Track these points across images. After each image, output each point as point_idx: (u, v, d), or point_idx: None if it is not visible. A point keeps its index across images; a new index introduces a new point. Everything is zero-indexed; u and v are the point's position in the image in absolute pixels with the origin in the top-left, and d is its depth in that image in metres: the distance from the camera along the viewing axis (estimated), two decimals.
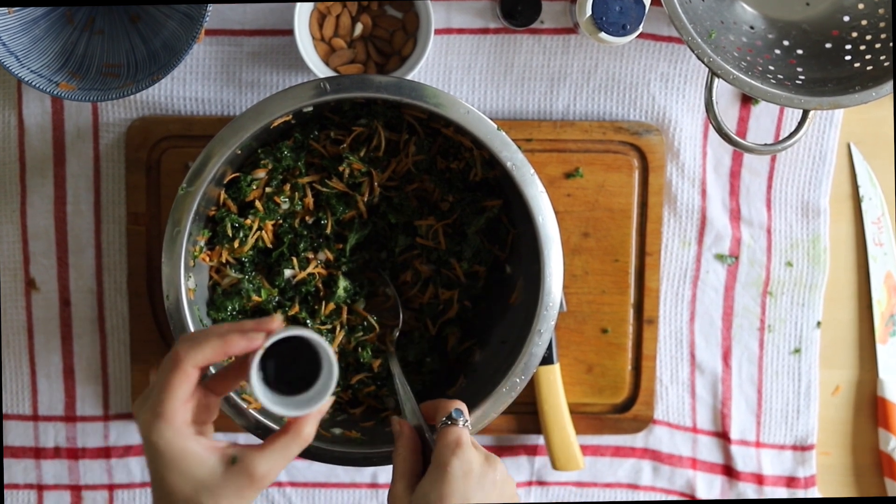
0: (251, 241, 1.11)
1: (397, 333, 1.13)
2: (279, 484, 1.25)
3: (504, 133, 1.04)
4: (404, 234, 1.14)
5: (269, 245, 1.13)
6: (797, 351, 1.24)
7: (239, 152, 1.05)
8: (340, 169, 1.11)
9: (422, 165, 1.13)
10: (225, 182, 1.10)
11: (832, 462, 1.26)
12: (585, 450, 1.24)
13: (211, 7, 1.09)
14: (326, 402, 0.87)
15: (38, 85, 1.11)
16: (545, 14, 1.19)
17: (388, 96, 1.04)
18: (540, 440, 1.25)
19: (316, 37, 1.17)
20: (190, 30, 1.11)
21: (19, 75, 1.10)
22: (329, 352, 0.86)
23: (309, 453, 1.06)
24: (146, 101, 1.20)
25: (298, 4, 1.14)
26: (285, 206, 1.12)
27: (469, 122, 1.04)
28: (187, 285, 1.06)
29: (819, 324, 1.24)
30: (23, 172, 1.21)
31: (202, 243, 1.10)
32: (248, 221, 1.11)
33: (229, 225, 1.10)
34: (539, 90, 1.21)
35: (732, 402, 1.24)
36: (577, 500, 1.26)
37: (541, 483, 1.26)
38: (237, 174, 1.11)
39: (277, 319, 0.87)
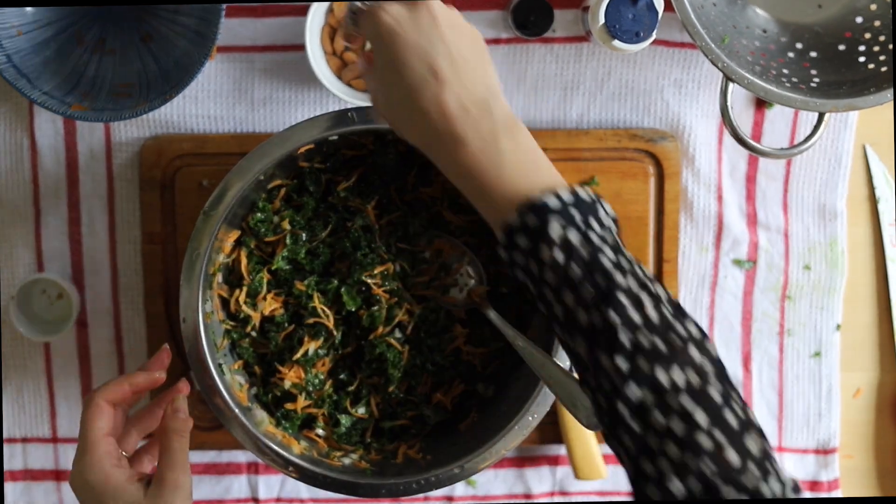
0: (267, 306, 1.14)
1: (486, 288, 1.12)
2: (301, 501, 1.24)
3: None
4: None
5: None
6: (817, 354, 1.23)
7: (262, 178, 1.05)
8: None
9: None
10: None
11: (855, 465, 1.26)
12: (607, 459, 1.24)
13: (222, 24, 1.09)
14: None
15: (50, 106, 1.11)
16: (557, 23, 1.18)
17: None
18: (562, 450, 1.24)
19: (328, 51, 1.17)
20: (201, 48, 1.11)
21: (31, 97, 1.10)
22: None
23: (318, 481, 1.06)
24: (159, 119, 1.20)
25: (309, 20, 1.14)
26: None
27: None
28: (204, 309, 1.05)
29: (839, 327, 1.23)
30: (37, 194, 1.21)
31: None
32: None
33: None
34: (552, 99, 1.21)
35: (753, 406, 1.24)
36: None
37: (563, 493, 1.25)
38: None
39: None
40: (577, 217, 0.78)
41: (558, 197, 0.79)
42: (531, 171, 0.81)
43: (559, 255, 0.77)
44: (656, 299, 0.76)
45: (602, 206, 0.81)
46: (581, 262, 0.77)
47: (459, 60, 0.82)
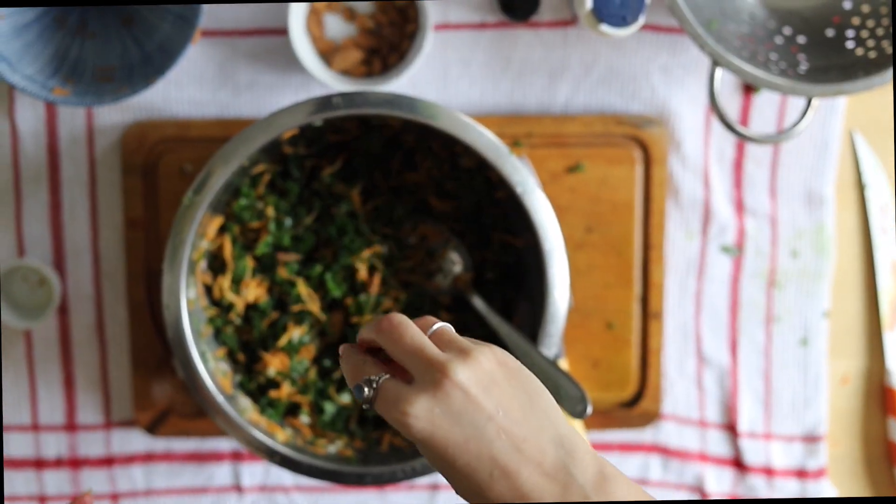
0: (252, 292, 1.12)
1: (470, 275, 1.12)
2: (284, 489, 1.23)
3: (515, 157, 1.03)
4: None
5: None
6: (805, 341, 1.23)
7: (246, 164, 1.04)
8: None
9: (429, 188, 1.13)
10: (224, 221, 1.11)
11: (842, 453, 1.25)
12: (593, 445, 1.23)
13: (205, 8, 1.08)
14: None
15: (31, 91, 1.09)
16: (543, 6, 1.18)
17: (401, 114, 1.02)
18: None
19: (313, 35, 1.16)
20: (184, 31, 1.09)
21: (12, 81, 1.09)
22: None
23: (302, 469, 1.06)
24: (141, 104, 1.18)
25: (293, 4, 1.12)
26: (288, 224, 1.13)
27: (481, 144, 1.03)
28: (188, 296, 1.04)
29: (826, 313, 1.23)
30: (17, 179, 1.19)
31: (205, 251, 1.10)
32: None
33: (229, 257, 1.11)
34: (539, 84, 1.20)
35: (740, 394, 1.23)
36: None
37: None
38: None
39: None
40: None
41: None
42: None
43: None
44: None
45: None
46: None
47: (516, 430, 0.69)
